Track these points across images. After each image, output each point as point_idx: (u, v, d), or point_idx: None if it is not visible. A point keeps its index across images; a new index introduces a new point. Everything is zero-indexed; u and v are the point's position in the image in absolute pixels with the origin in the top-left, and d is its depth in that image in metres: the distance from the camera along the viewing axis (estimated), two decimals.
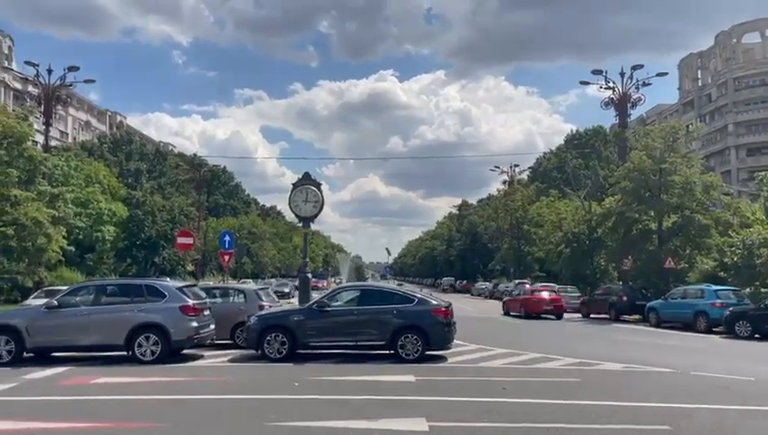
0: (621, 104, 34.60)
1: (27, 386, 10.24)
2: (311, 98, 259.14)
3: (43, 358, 12.91)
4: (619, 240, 32.75)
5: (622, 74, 34.54)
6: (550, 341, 18.50)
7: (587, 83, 36.93)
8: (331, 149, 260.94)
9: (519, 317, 29.33)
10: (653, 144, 31.59)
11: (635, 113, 40.02)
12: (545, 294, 29.95)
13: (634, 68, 34.41)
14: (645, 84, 34.29)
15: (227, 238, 25.45)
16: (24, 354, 12.73)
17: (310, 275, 21.29)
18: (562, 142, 74.55)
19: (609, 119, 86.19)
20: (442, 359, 13.35)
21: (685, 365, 12.90)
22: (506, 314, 31.46)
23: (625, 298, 28.31)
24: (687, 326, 23.01)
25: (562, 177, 61.69)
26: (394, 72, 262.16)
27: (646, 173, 30.59)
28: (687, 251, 31.09)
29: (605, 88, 34.64)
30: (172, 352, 12.95)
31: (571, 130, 75.51)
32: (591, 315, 29.88)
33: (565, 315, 29.85)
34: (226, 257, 25.47)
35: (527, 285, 35.20)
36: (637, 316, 27.38)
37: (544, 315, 28.81)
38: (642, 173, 30.61)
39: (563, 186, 58.06)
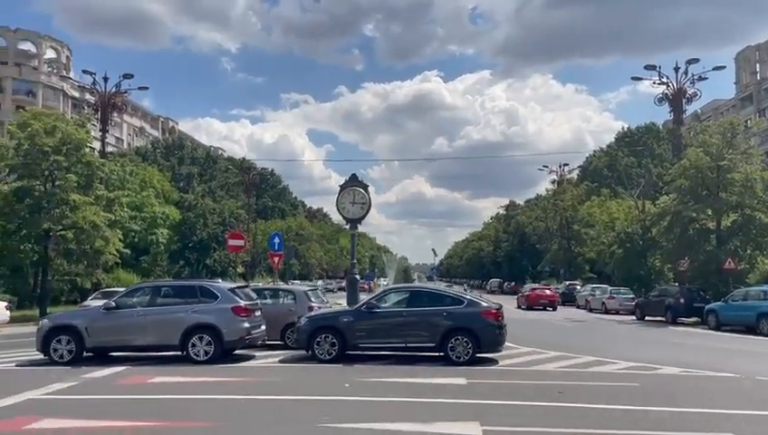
0: (676, 100, 33.48)
1: (87, 385, 10.54)
2: (356, 100, 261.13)
3: (102, 357, 13.28)
4: (675, 240, 31.67)
5: (677, 69, 33.47)
6: (605, 344, 18.00)
7: (639, 79, 36.03)
8: (376, 151, 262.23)
9: (523, 309, 36.92)
10: (710, 140, 30.47)
11: (690, 109, 38.73)
12: (541, 292, 39.72)
13: (689, 62, 33.26)
14: (701, 79, 33.12)
15: (277, 240, 25.73)
16: (84, 354, 13.09)
17: (358, 277, 21.35)
18: (613, 140, 72.79)
19: (662, 115, 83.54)
20: (493, 362, 13.14)
21: (748, 370, 12.36)
22: (518, 307, 38.10)
23: (682, 300, 27.37)
24: (749, 329, 22.06)
25: (614, 175, 60.24)
26: (438, 73, 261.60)
27: (703, 171, 29.54)
28: (748, 251, 29.86)
29: (659, 83, 33.57)
30: (225, 353, 13.13)
31: (623, 128, 73.59)
32: (646, 318, 29.07)
33: (619, 317, 30.33)
34: (276, 259, 25.76)
35: (529, 286, 45.29)
36: (694, 319, 26.47)
37: (540, 307, 37.36)
38: (699, 171, 29.57)
39: (615, 185, 56.69)
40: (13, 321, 24.71)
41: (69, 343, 13.01)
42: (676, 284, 31.73)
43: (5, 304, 24.80)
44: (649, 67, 33.89)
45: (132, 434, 7.17)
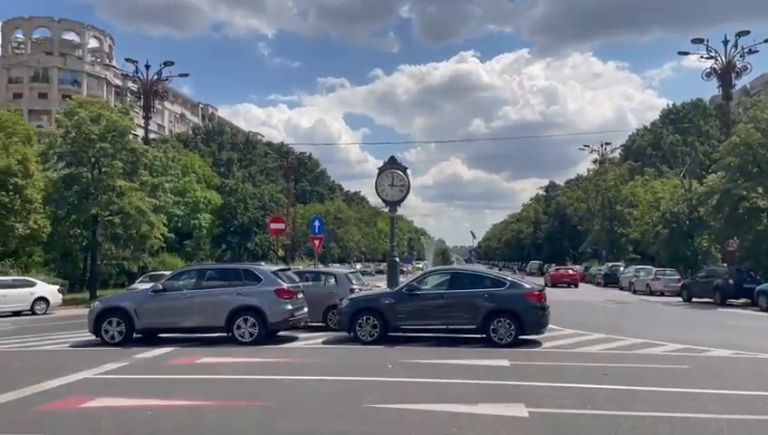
0: (725, 74, 32.29)
1: (138, 365, 10.85)
2: (391, 83, 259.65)
3: (151, 339, 13.66)
4: (723, 220, 30.69)
5: (725, 42, 32.25)
6: (651, 326, 17.66)
7: (686, 54, 35.10)
8: (412, 134, 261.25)
9: (549, 287, 39.13)
10: (762, 116, 29.31)
11: (739, 84, 37.38)
12: (564, 272, 45.83)
13: (739, 35, 31.98)
14: (751, 52, 31.80)
15: (317, 224, 25.97)
16: (134, 335, 13.49)
17: (398, 259, 21.36)
18: (657, 118, 70.70)
19: (709, 91, 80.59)
20: (536, 344, 13.02)
21: None
22: (545, 286, 40.42)
23: (731, 281, 26.59)
24: None
25: (658, 154, 58.71)
26: (475, 53, 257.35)
27: (754, 147, 28.46)
28: None
29: (706, 58, 32.45)
30: (268, 334, 13.34)
31: (667, 105, 71.24)
32: (693, 299, 28.36)
33: (664, 299, 29.77)
34: (317, 242, 25.98)
35: (554, 266, 52.86)
36: (744, 300, 25.71)
37: (564, 284, 41.92)
38: (750, 147, 28.51)
39: (659, 163, 55.25)
40: (65, 304, 25.61)
41: (119, 324, 13.41)
42: (725, 264, 30.87)
43: (58, 287, 25.70)
44: (696, 41, 32.74)
45: (183, 413, 7.36)
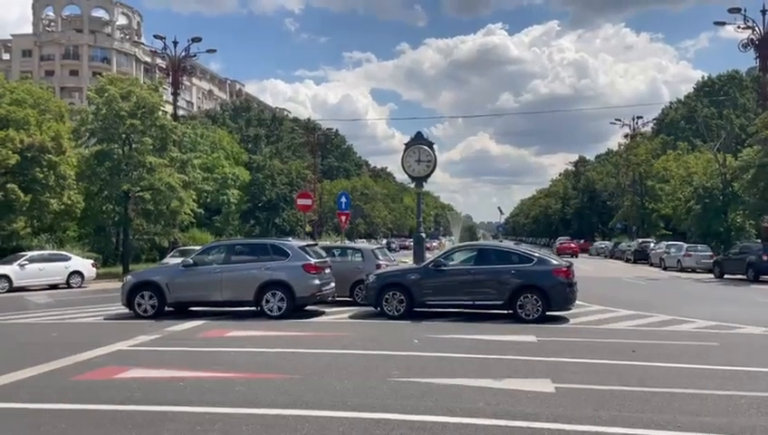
0: (763, 45, 31.27)
1: (170, 338, 11.11)
2: (417, 58, 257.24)
3: (182, 312, 13.96)
4: (758, 195, 29.98)
5: (764, 11, 31.17)
6: (681, 303, 17.41)
7: (722, 24, 33.75)
8: (439, 109, 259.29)
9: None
10: None
11: None
12: (567, 245, 57.52)
13: None
14: None
15: (344, 199, 26.06)
16: (165, 308, 13.80)
17: (424, 235, 21.37)
18: (692, 91, 68.88)
19: (746, 63, 77.94)
20: (563, 320, 12.98)
21: None
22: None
23: (765, 257, 26.00)
24: None
25: (692, 128, 57.31)
26: (503, 26, 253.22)
27: None
28: None
29: (744, 28, 31.43)
30: (296, 308, 13.53)
31: (702, 77, 69.16)
32: (725, 276, 27.87)
33: (695, 275, 29.64)
34: (343, 218, 26.10)
35: (558, 243, 62.48)
36: None
37: (567, 254, 46.80)
38: None
39: (693, 137, 53.97)
40: (98, 277, 26.26)
41: (151, 298, 13.72)
42: (759, 240, 30.21)
43: (92, 262, 26.34)
44: (734, 10, 31.67)
45: (213, 384, 7.54)
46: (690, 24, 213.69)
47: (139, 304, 13.71)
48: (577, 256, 50.07)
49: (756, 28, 31.19)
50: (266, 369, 8.39)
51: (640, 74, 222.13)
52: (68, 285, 24.09)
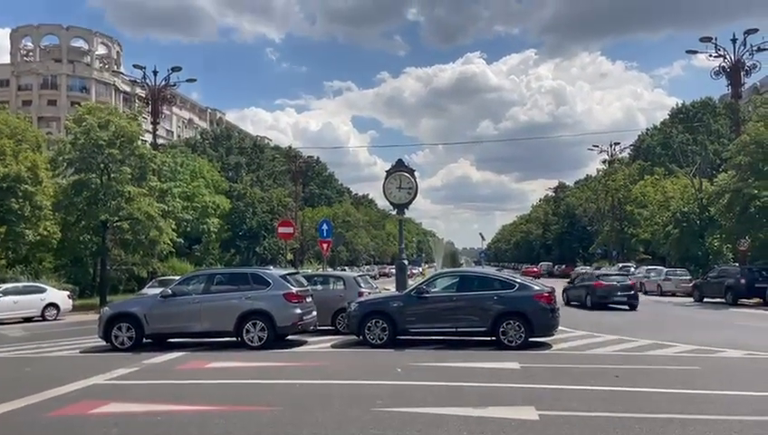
0: (734, 73, 32.10)
1: (148, 370, 10.87)
2: (398, 86, 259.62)
3: (160, 344, 13.68)
4: (734, 219, 30.46)
5: (734, 40, 32.10)
6: (662, 327, 17.53)
7: (694, 52, 34.69)
8: (420, 136, 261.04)
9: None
10: None
11: (749, 82, 37.12)
12: (530, 270, 70.45)
13: (747, 32, 31.81)
14: (760, 50, 31.66)
15: (325, 227, 25.95)
16: (143, 340, 13.52)
17: (406, 262, 21.33)
18: (667, 117, 70.19)
19: (718, 90, 79.92)
20: (546, 346, 12.95)
21: None
22: None
23: (743, 280, 26.35)
24: None
25: (668, 153, 58.25)
26: (482, 55, 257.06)
27: (764, 145, 28.21)
28: None
29: (715, 56, 32.28)
30: (278, 338, 13.34)
31: (677, 104, 70.50)
32: (705, 299, 28.14)
33: (675, 299, 30.00)
34: (325, 245, 25.98)
35: (524, 268, 75.98)
36: (756, 300, 25.52)
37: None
38: (760, 145, 28.26)
39: (669, 163, 54.90)
40: (75, 309, 25.74)
41: (129, 329, 13.44)
42: (736, 264, 30.61)
43: (68, 293, 25.85)
44: (705, 39, 32.56)
45: (192, 418, 7.35)
46: (664, 52, 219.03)
47: (116, 337, 13.42)
48: (539, 278, 51.46)
49: (727, 56, 32.05)
50: (246, 401, 8.23)
51: (617, 101, 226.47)
52: (43, 317, 23.58)
